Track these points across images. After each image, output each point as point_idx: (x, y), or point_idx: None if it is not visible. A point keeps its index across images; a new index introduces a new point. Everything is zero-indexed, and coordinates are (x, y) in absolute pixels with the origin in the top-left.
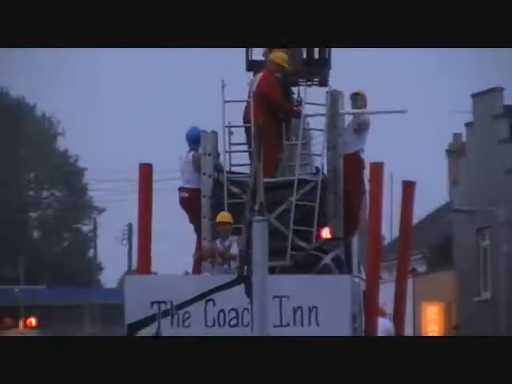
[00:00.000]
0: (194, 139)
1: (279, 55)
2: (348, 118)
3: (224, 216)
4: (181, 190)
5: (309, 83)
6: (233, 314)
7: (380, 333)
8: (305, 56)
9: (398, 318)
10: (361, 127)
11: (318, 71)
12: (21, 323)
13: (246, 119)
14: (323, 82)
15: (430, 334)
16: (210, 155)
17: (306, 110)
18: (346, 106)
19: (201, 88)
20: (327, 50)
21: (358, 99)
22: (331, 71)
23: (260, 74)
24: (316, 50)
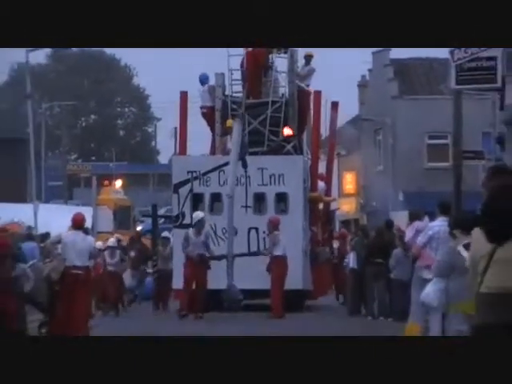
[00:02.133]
0: (206, 79)
1: None
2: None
3: (229, 122)
4: (201, 107)
5: (278, 51)
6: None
7: (319, 191)
8: None
9: (328, 180)
10: (309, 72)
11: None
12: (113, 184)
13: (242, 65)
14: (285, 51)
15: (346, 192)
16: (220, 86)
17: (276, 60)
18: (300, 58)
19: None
20: None
21: (308, 59)
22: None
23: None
24: None
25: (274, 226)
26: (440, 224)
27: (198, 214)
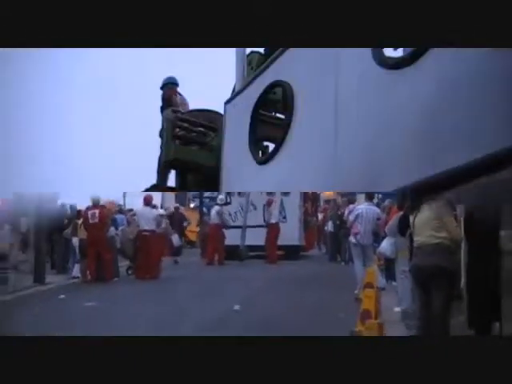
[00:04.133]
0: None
1: None
2: None
3: None
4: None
5: None
6: None
7: None
8: None
9: None
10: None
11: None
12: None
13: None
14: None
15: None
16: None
17: None
18: None
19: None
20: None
21: None
22: None
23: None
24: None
25: (268, 204)
26: (364, 207)
27: (223, 198)
